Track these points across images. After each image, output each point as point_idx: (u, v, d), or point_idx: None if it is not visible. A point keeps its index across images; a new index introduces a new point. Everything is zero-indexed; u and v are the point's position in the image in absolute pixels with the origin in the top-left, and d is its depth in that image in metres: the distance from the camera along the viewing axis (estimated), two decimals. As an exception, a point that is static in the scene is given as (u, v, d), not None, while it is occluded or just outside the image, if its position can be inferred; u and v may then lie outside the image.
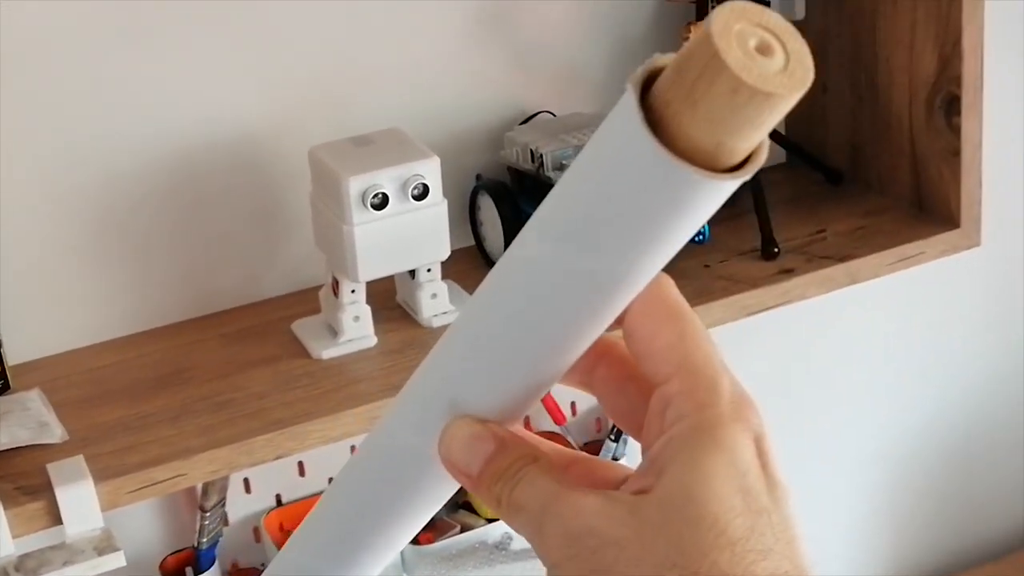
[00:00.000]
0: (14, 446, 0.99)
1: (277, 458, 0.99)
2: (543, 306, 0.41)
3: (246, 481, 1.22)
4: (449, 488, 0.48)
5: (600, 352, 0.45)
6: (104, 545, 1.00)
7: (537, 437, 0.46)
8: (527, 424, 1.33)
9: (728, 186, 0.38)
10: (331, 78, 1.16)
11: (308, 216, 1.14)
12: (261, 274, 1.19)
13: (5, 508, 0.92)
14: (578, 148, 1.13)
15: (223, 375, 1.07)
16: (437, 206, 1.07)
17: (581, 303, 0.41)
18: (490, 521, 1.23)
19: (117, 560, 0.98)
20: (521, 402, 0.44)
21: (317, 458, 1.24)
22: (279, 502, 1.25)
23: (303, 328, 1.12)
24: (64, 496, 0.93)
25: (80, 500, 0.93)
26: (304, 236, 1.17)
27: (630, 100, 0.37)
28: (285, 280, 1.19)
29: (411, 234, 1.06)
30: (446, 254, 1.09)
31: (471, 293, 1.08)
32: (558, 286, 0.40)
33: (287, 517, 1.23)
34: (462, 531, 1.22)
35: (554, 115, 1.23)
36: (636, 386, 0.45)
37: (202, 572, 1.18)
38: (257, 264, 1.18)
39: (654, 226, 0.38)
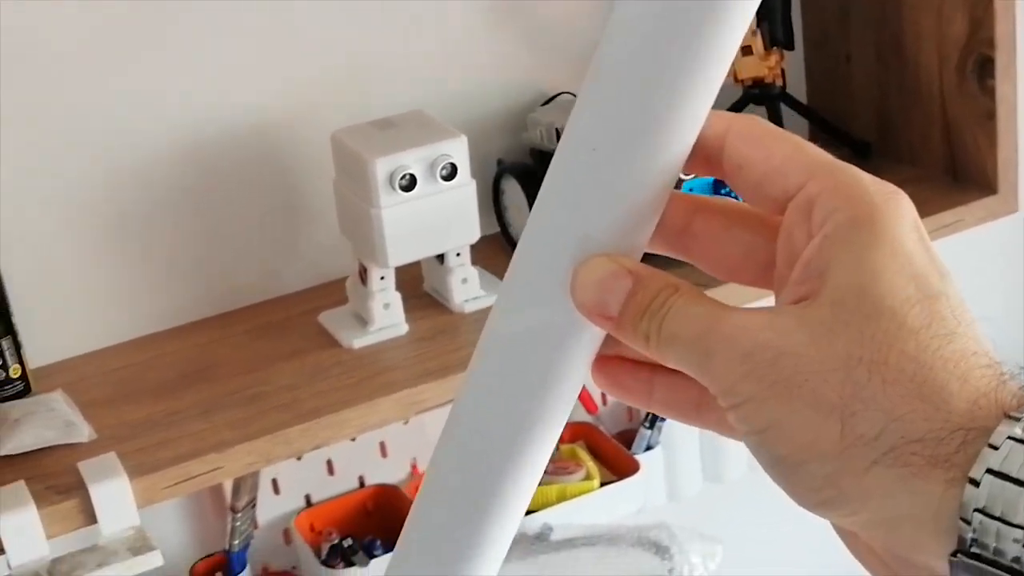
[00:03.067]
0: (41, 446, 0.96)
1: (315, 448, 0.96)
2: (649, 92, 0.39)
3: (274, 482, 1.19)
4: (586, 359, 0.44)
5: (691, 208, 0.44)
6: (139, 545, 0.96)
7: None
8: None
9: None
10: (347, 66, 1.13)
11: (329, 207, 1.11)
12: (282, 268, 1.16)
13: (37, 508, 0.89)
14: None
15: (250, 370, 1.04)
16: (465, 187, 1.04)
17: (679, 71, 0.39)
18: (527, 513, 1.19)
19: (154, 560, 0.95)
20: (643, 227, 0.42)
21: (346, 456, 1.22)
22: (308, 502, 1.21)
23: (330, 319, 1.09)
24: (98, 493, 0.90)
25: (114, 497, 0.90)
26: (325, 228, 1.14)
27: None
28: (307, 274, 1.17)
29: (440, 216, 1.04)
30: (476, 236, 1.06)
31: (500, 279, 1.05)
32: (660, 54, 0.39)
33: (317, 517, 1.20)
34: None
35: (575, 96, 1.20)
36: (748, 225, 0.43)
37: (235, 575, 1.15)
38: (278, 258, 1.15)
39: None
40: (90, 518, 0.90)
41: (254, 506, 1.13)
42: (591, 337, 0.43)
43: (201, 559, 1.17)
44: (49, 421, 0.99)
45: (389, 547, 1.15)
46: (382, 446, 1.23)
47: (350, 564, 1.13)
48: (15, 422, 0.98)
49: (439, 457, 0.46)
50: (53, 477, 0.93)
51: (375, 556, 1.13)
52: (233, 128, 1.10)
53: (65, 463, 0.94)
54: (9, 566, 0.95)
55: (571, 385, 0.44)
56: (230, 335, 1.11)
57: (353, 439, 1.21)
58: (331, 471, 1.21)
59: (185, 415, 0.99)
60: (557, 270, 0.42)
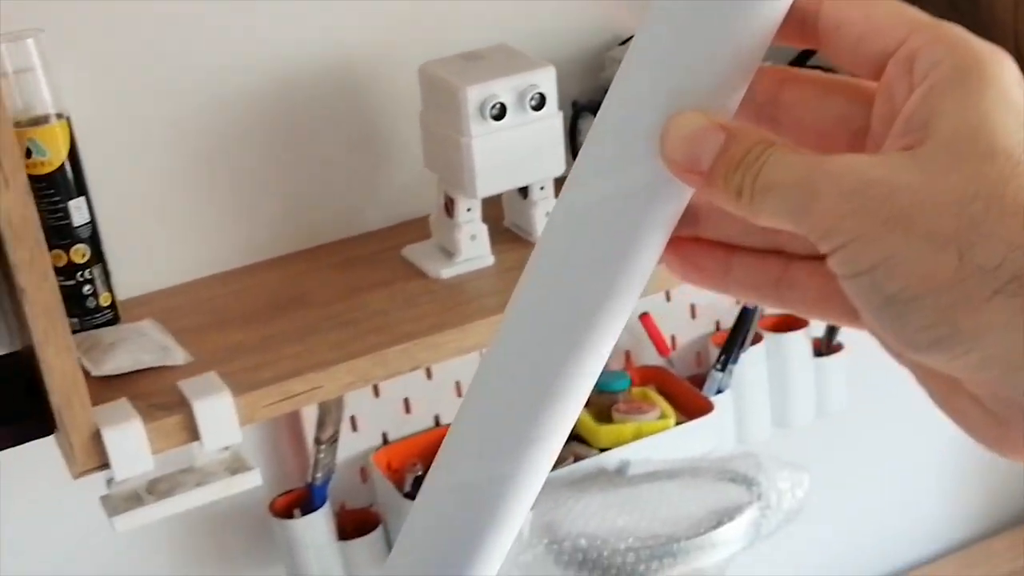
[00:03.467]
0: (138, 368, 0.97)
1: (412, 369, 0.97)
2: None
3: (352, 420, 1.20)
4: (666, 228, 0.42)
5: (779, 79, 0.43)
6: (236, 466, 0.97)
7: None
8: (628, 359, 1.31)
9: None
10: (429, 2, 1.14)
11: (410, 144, 1.12)
12: (364, 206, 1.17)
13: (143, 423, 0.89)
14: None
15: (341, 298, 1.05)
16: (553, 118, 1.05)
17: None
18: (602, 451, 1.20)
19: (253, 479, 0.96)
20: (734, 88, 0.41)
21: (423, 395, 1.22)
22: (385, 440, 1.22)
23: (415, 253, 1.10)
24: (201, 409, 0.90)
25: (218, 413, 0.91)
26: (406, 165, 1.15)
27: None
28: (387, 212, 1.17)
29: (528, 147, 1.04)
30: (562, 169, 1.07)
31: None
32: None
33: (395, 455, 1.21)
34: (575, 461, 1.19)
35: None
36: (840, 91, 0.43)
37: (314, 511, 1.15)
38: (360, 196, 1.16)
39: None
40: (192, 435, 0.91)
41: (336, 440, 1.14)
42: (675, 201, 0.42)
43: (279, 495, 1.18)
44: (143, 345, 1.00)
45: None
46: (457, 385, 1.23)
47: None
48: (110, 345, 0.98)
49: (503, 342, 0.44)
50: (153, 396, 0.93)
51: (458, 488, 1.14)
52: (319, 63, 1.11)
53: (163, 384, 0.95)
54: (105, 484, 0.96)
55: (650, 256, 0.43)
56: (314, 268, 1.11)
57: (429, 378, 1.22)
58: (408, 409, 1.22)
59: (280, 339, 0.99)
60: (645, 128, 0.41)
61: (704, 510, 1.05)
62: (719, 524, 1.04)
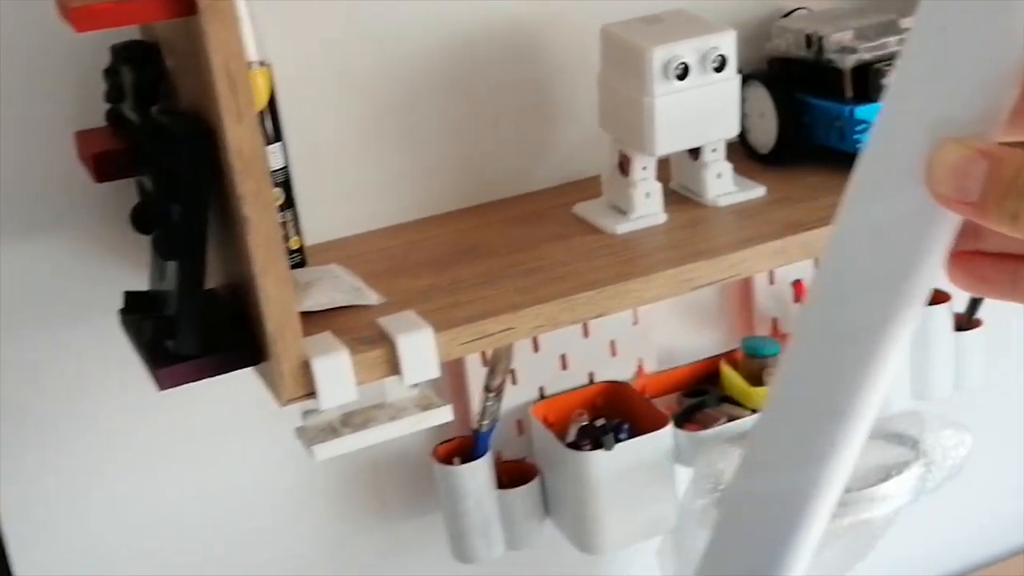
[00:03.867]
0: (333, 306, 1.01)
1: (597, 316, 1.00)
2: None
3: (512, 373, 1.23)
4: (940, 251, 0.43)
5: None
6: (426, 402, 1.01)
7: None
8: (775, 326, 1.34)
9: None
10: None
11: (581, 105, 1.15)
12: (533, 165, 1.20)
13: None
14: (858, 30, 1.14)
15: (520, 249, 1.09)
16: (731, 80, 1.08)
17: None
18: (754, 412, 1.23)
19: (444, 414, 1.00)
20: (997, 108, 0.41)
21: (579, 352, 1.26)
22: (542, 395, 1.26)
23: (586, 210, 1.13)
24: (404, 344, 0.94)
25: (419, 349, 0.94)
26: (576, 126, 1.19)
27: None
28: (555, 172, 1.21)
29: (706, 108, 1.07)
30: (736, 131, 1.10)
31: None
32: None
33: (551, 409, 1.25)
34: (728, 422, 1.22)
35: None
36: None
37: (475, 458, 1.19)
38: (530, 155, 1.20)
39: None
40: (393, 368, 0.95)
41: (503, 389, 1.17)
42: (949, 223, 0.43)
43: (441, 443, 1.22)
44: (337, 285, 1.03)
45: (636, 432, 1.19)
46: (612, 344, 1.27)
47: (598, 446, 1.17)
48: (306, 284, 1.02)
49: (798, 357, 0.47)
50: (353, 332, 0.97)
51: (620, 440, 1.17)
52: (497, 23, 1.14)
53: (360, 322, 0.99)
54: (301, 416, 1.00)
55: (927, 273, 0.44)
56: (487, 223, 1.15)
57: (585, 335, 1.25)
58: (564, 365, 1.26)
59: (468, 283, 1.03)
60: (910, 156, 0.41)
61: (869, 465, 1.08)
62: (887, 478, 1.07)
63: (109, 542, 1.17)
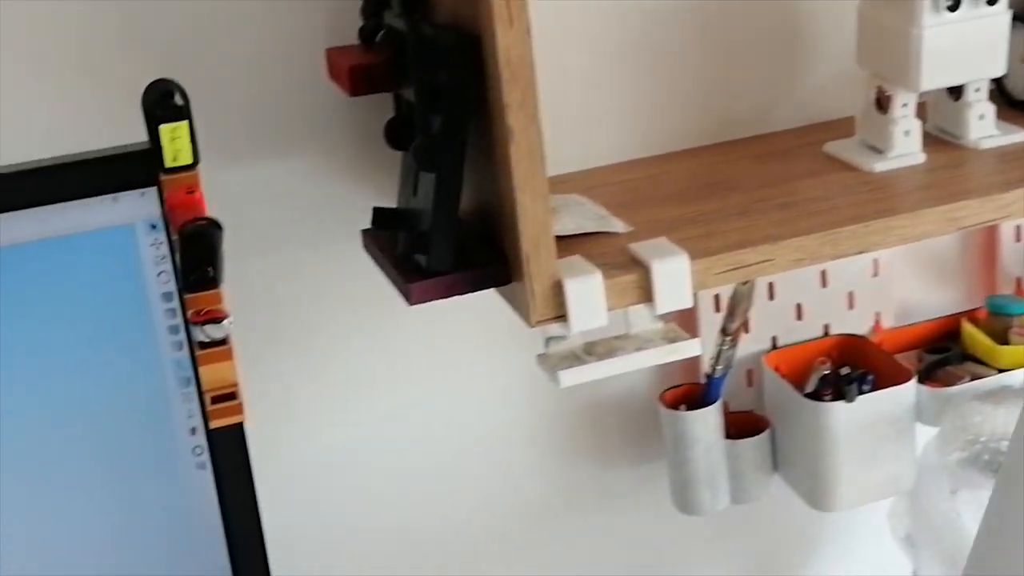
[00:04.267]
0: (580, 232, 0.98)
1: (859, 252, 0.95)
2: None
3: (745, 320, 1.19)
4: None
5: None
6: (672, 335, 0.97)
7: None
8: (1019, 285, 1.27)
9: None
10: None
11: (829, 46, 1.11)
12: (777, 104, 1.16)
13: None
14: None
15: (770, 184, 1.05)
16: (1003, 15, 1.02)
17: None
18: (1001, 371, 1.17)
19: (692, 348, 0.96)
20: None
21: (815, 303, 1.21)
22: (774, 345, 1.21)
23: (838, 148, 1.09)
24: (659, 270, 0.91)
25: (674, 275, 0.91)
26: (823, 66, 1.14)
27: None
28: (799, 112, 1.17)
29: (974, 43, 1.02)
30: (1002, 70, 1.04)
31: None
32: None
33: (783, 360, 1.20)
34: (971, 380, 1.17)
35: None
36: None
37: (705, 405, 1.15)
38: (775, 94, 1.16)
39: None
40: (646, 295, 0.91)
41: (739, 334, 1.13)
42: None
43: (669, 388, 1.19)
44: (583, 212, 1.01)
45: (882, 384, 1.14)
46: (850, 296, 1.22)
47: (839, 397, 1.12)
48: (552, 210, 0.99)
49: None
50: (602, 257, 0.94)
51: (863, 392, 1.13)
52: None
53: (609, 248, 0.96)
54: (544, 343, 0.98)
55: None
56: (733, 159, 1.11)
57: (823, 285, 1.21)
58: (799, 315, 1.21)
59: (720, 215, 0.99)
60: None
61: None
62: None
63: (352, 459, 1.16)
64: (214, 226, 0.84)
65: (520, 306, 0.92)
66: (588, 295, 0.90)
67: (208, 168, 0.86)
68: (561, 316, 0.90)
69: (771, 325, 1.21)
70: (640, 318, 0.97)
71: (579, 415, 1.22)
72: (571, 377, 0.94)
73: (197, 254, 0.84)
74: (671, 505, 1.20)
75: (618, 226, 0.99)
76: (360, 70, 0.95)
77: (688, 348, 0.96)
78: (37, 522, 0.93)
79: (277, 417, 1.12)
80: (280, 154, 1.05)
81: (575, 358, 0.96)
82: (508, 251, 0.90)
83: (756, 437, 1.18)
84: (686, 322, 1.19)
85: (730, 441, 1.17)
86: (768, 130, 1.16)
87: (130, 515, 0.95)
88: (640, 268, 0.92)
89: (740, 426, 1.19)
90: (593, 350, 0.97)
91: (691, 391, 1.18)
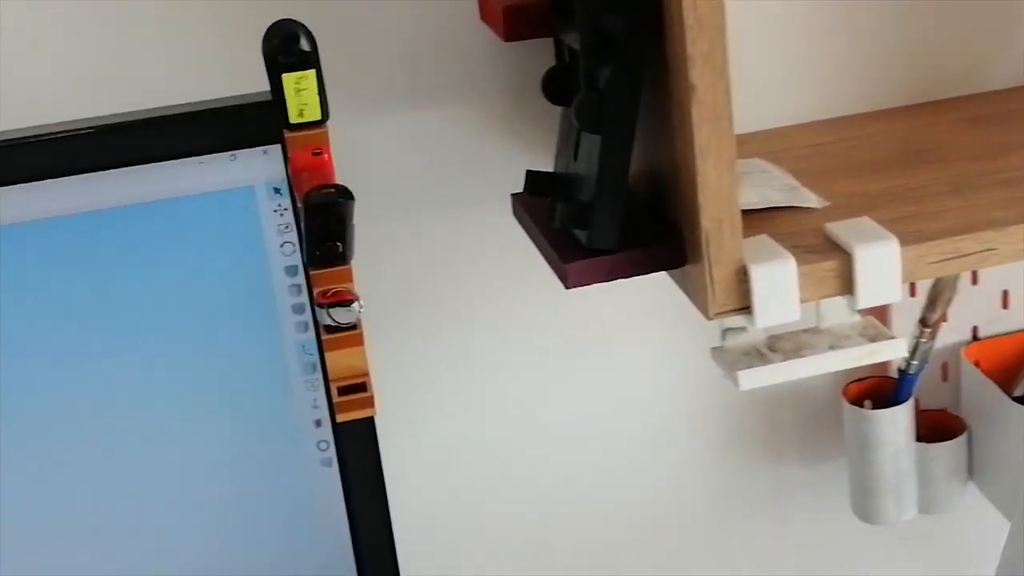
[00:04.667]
0: (767, 206, 0.84)
1: (1105, 241, 0.80)
2: None
3: (943, 307, 1.05)
4: None
5: None
6: (874, 333, 0.84)
7: None
8: None
9: None
10: None
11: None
12: (988, 63, 1.01)
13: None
14: None
15: (986, 156, 0.90)
16: None
17: None
18: None
19: (897, 348, 0.82)
20: None
21: (1024, 289, 1.06)
22: (975, 336, 1.07)
23: (1067, 114, 0.94)
24: (864, 256, 0.77)
25: (881, 263, 0.77)
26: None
27: None
28: (1013, 72, 1.01)
29: None
30: None
31: None
32: None
33: (985, 354, 1.06)
34: None
35: None
36: None
37: (896, 403, 1.01)
38: (985, 51, 1.01)
39: None
40: (846, 286, 0.78)
41: (939, 326, 0.99)
42: None
43: (852, 382, 1.05)
44: (769, 182, 0.87)
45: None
46: None
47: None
48: (737, 181, 0.86)
49: None
50: (792, 238, 0.80)
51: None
52: None
53: (801, 226, 0.82)
54: (720, 334, 0.85)
55: None
56: (938, 122, 0.97)
57: (1035, 270, 1.06)
58: (1005, 303, 1.06)
59: (929, 191, 0.85)
60: None
61: None
62: None
63: (493, 452, 1.06)
64: (344, 195, 0.72)
65: (695, 293, 0.79)
66: (778, 285, 0.76)
67: (336, 122, 0.74)
68: (745, 308, 0.77)
69: (972, 314, 1.06)
70: (834, 310, 0.83)
71: (750, 406, 1.09)
72: (753, 379, 0.81)
73: (324, 227, 0.72)
74: (849, 510, 1.07)
75: (812, 200, 0.85)
76: (517, 11, 0.83)
77: (891, 349, 0.82)
78: (149, 516, 0.84)
79: (407, 405, 1.01)
80: (419, 107, 0.93)
81: (757, 355, 0.83)
82: (683, 228, 0.77)
83: (951, 441, 1.04)
84: (877, 309, 1.05)
85: (921, 445, 1.03)
86: (982, 89, 1.02)
87: (247, 509, 0.85)
88: (840, 254, 0.78)
89: (932, 427, 1.05)
90: (778, 346, 0.83)
91: (879, 385, 1.04)
